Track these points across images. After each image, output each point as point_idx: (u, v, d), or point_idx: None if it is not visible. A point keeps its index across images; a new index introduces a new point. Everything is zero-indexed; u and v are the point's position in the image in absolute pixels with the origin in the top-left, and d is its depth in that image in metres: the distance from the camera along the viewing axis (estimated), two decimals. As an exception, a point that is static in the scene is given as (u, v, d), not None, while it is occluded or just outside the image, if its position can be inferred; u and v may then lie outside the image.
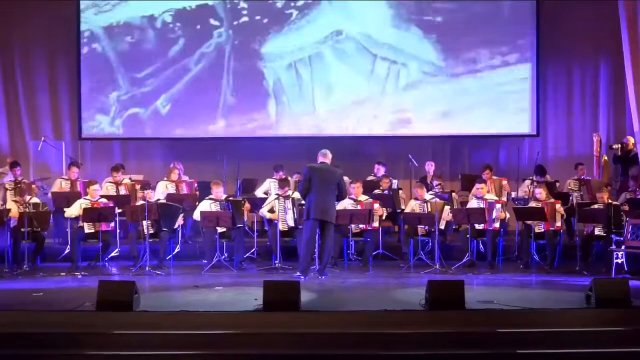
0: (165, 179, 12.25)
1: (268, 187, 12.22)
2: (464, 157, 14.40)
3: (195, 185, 12.35)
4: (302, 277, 9.72)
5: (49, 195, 11.91)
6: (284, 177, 11.98)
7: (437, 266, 10.62)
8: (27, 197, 11.10)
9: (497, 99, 13.81)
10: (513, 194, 12.42)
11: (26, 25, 14.06)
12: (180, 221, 11.14)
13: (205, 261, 10.85)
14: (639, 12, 12.04)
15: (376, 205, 11.02)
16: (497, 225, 10.98)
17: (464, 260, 10.83)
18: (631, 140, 12.74)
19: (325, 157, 10.16)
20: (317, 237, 10.05)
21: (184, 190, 12.13)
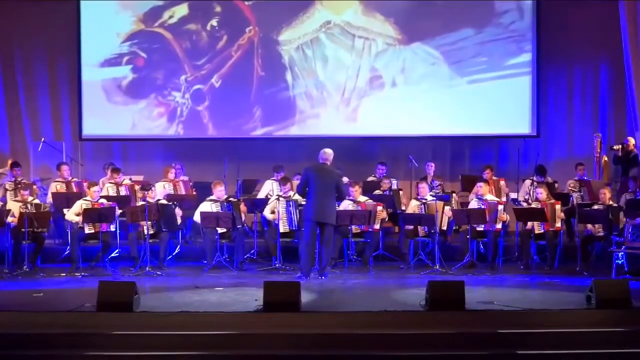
0: (162, 179, 12.28)
1: (270, 189, 12.21)
2: (464, 158, 14.40)
3: (191, 184, 12.40)
4: (304, 278, 9.71)
5: (49, 198, 11.89)
6: (284, 177, 11.95)
7: (438, 267, 10.62)
8: (30, 198, 11.09)
9: (497, 100, 13.84)
10: (513, 195, 12.41)
11: (27, 26, 14.05)
12: (178, 212, 11.10)
13: (206, 262, 10.86)
14: (640, 12, 12.07)
15: (379, 208, 11.00)
16: (498, 226, 10.96)
17: (464, 261, 10.83)
18: (632, 141, 12.72)
19: (326, 155, 10.14)
20: (317, 238, 10.04)
21: (182, 189, 12.16)
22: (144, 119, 14.23)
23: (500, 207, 11.05)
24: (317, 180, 9.96)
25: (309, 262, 9.98)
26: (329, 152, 10.18)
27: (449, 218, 11.16)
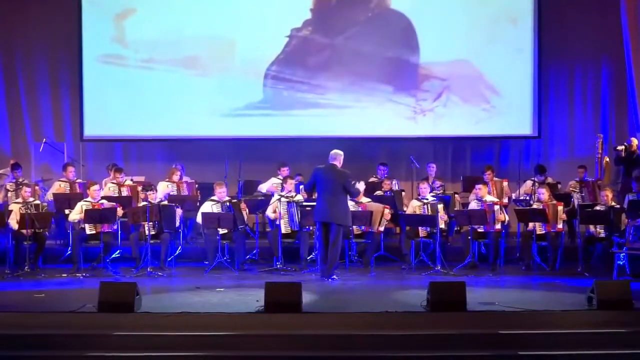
0: (166, 179, 12.27)
1: (269, 186, 12.15)
2: (465, 159, 14.38)
3: (196, 186, 12.39)
4: (322, 279, 9.85)
5: (50, 197, 11.89)
6: (287, 175, 11.89)
7: (439, 268, 10.61)
8: (31, 199, 11.09)
9: (498, 101, 13.84)
10: (514, 195, 12.41)
11: (28, 26, 14.05)
12: (179, 212, 11.08)
13: (207, 263, 10.85)
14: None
15: (386, 211, 10.97)
16: (498, 226, 10.95)
17: (466, 262, 10.82)
18: (635, 141, 12.68)
19: (334, 155, 10.13)
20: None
21: (185, 191, 12.15)
22: (148, 118, 14.02)
23: (497, 207, 11.02)
24: (323, 181, 9.99)
25: (322, 263, 10.05)
26: (336, 153, 10.15)
27: (447, 221, 11.16)
